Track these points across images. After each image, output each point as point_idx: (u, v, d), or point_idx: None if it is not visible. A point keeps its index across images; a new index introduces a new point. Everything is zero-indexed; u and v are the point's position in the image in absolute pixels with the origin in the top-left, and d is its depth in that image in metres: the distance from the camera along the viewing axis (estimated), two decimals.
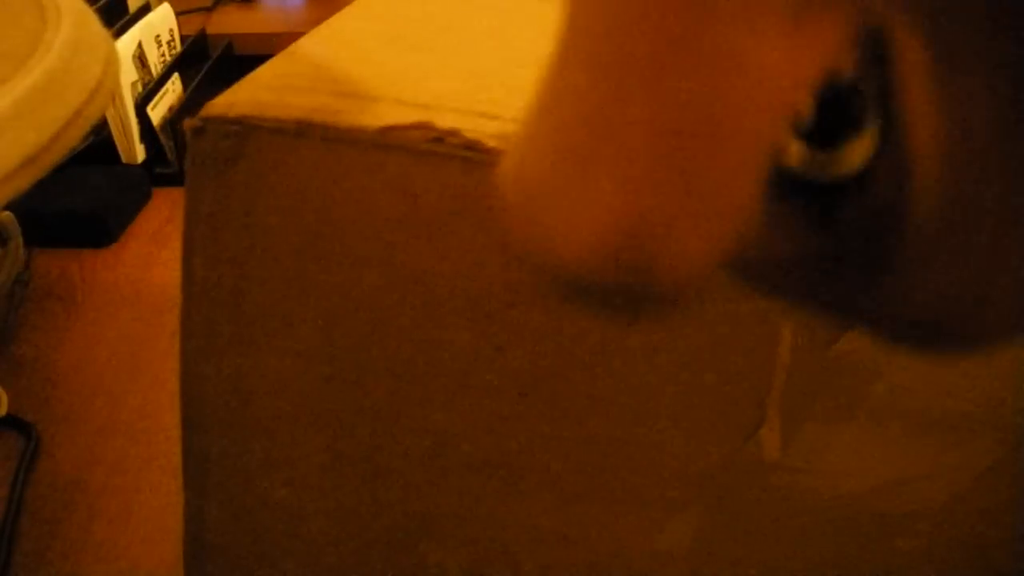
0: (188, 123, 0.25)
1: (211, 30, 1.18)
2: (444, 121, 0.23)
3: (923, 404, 0.24)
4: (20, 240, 0.70)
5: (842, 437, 0.25)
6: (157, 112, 0.95)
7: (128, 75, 0.93)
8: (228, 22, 1.23)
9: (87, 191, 0.87)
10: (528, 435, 0.28)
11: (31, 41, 0.20)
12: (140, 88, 0.96)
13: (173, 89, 1.01)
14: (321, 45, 0.30)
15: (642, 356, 0.25)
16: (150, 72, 0.98)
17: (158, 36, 1.01)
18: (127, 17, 0.99)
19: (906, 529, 0.26)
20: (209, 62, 1.09)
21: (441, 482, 0.30)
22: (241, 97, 0.25)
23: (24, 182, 0.17)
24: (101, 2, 0.98)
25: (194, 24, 1.16)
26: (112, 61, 0.21)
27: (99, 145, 0.92)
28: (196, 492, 0.35)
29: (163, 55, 1.02)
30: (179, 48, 1.06)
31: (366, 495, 0.32)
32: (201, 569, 0.37)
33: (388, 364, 0.28)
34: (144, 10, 1.02)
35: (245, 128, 0.24)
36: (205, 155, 0.26)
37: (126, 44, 0.93)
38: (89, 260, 0.81)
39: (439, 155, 0.23)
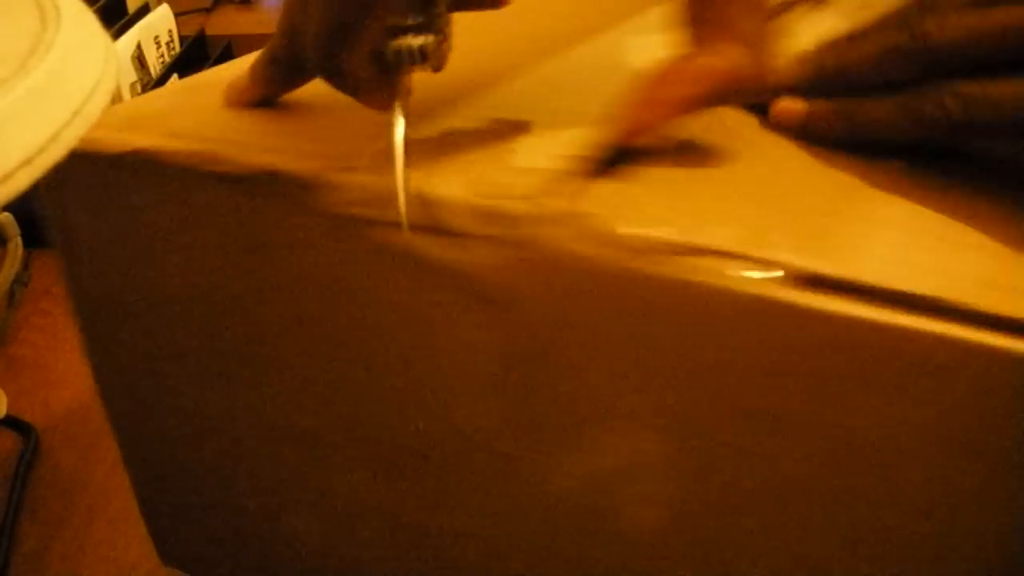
0: None
1: (210, 31, 1.18)
2: (225, 152, 0.26)
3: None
4: (20, 240, 0.70)
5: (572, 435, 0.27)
6: None
7: (127, 76, 0.93)
8: (227, 23, 1.23)
9: None
10: (334, 412, 0.31)
11: (30, 41, 0.20)
12: (139, 89, 0.96)
13: None
14: (200, 81, 0.33)
15: (424, 355, 0.27)
16: (149, 73, 0.98)
17: (157, 37, 1.01)
18: (126, 18, 0.99)
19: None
20: (208, 63, 1.09)
21: (277, 456, 0.33)
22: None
23: (23, 183, 0.17)
24: (100, 2, 0.98)
25: (193, 25, 1.16)
26: (111, 62, 0.22)
27: None
28: (143, 488, 0.38)
29: (162, 56, 1.02)
30: (178, 49, 1.06)
31: (243, 475, 0.35)
32: (175, 560, 0.41)
33: (238, 370, 0.31)
34: (143, 11, 1.02)
35: (74, 162, 0.27)
36: (53, 188, 0.29)
37: (125, 45, 0.93)
38: None
39: (215, 185, 0.26)
